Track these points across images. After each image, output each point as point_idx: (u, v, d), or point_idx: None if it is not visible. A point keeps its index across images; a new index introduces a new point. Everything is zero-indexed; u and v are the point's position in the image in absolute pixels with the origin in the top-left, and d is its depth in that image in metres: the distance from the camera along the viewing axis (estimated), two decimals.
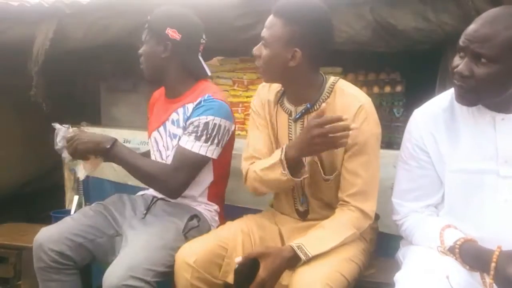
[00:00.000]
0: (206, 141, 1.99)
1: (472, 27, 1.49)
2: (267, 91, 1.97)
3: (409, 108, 1.83)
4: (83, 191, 2.95)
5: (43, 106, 2.75)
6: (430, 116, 1.68)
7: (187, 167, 1.99)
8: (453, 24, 2.14)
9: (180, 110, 2.10)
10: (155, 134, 2.19)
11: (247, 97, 2.74)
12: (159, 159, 2.17)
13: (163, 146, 2.16)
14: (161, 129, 2.16)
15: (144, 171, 2.01)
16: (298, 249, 1.65)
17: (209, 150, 2.00)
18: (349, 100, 1.78)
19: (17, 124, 3.26)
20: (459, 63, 1.51)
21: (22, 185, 3.35)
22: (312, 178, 1.87)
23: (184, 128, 2.06)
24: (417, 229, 1.69)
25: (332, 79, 1.86)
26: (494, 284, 1.46)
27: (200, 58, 2.15)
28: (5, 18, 2.75)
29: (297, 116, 1.85)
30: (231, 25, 2.45)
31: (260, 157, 1.92)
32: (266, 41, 1.76)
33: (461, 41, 1.51)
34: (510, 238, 1.51)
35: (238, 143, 2.22)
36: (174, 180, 1.98)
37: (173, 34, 2.04)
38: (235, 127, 2.16)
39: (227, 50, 2.79)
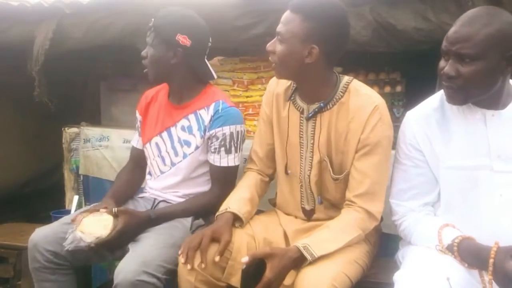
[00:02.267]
0: (235, 151, 2.08)
1: (452, 30, 1.55)
2: (276, 85, 1.97)
3: (409, 108, 1.83)
4: (83, 191, 2.95)
5: (48, 105, 2.75)
6: (422, 116, 1.71)
7: (229, 181, 2.10)
8: (453, 24, 2.13)
9: (192, 117, 2.10)
10: (156, 139, 2.17)
11: (247, 97, 2.74)
12: (161, 165, 2.17)
13: (167, 152, 2.15)
14: (165, 134, 2.15)
15: (196, 209, 2.07)
16: (304, 249, 1.64)
17: (240, 157, 2.11)
18: (363, 100, 1.77)
19: (17, 123, 3.26)
20: (444, 65, 1.56)
21: (22, 185, 3.35)
22: (320, 177, 1.87)
23: (202, 138, 2.08)
24: (415, 229, 1.70)
25: (346, 78, 1.85)
26: (493, 281, 1.46)
27: (206, 61, 2.14)
28: (5, 18, 2.74)
29: (310, 114, 1.84)
30: (232, 25, 2.45)
31: (256, 162, 2.03)
32: (282, 36, 1.74)
33: (443, 46, 1.56)
34: (507, 232, 1.53)
35: None
36: (225, 197, 2.04)
37: (183, 40, 2.01)
38: None
39: (227, 50, 2.79)
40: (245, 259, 1.65)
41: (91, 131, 2.92)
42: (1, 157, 3.16)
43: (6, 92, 3.07)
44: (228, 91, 2.77)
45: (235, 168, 2.10)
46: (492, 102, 1.60)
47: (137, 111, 2.29)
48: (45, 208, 2.88)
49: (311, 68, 1.75)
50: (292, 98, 1.90)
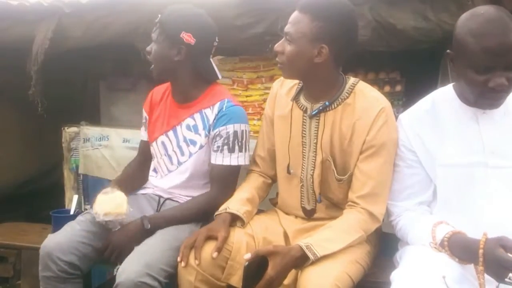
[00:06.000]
0: (240, 150, 2.03)
1: (492, 42, 1.48)
2: (280, 86, 1.97)
3: (409, 107, 1.84)
4: (82, 190, 2.95)
5: (40, 104, 2.75)
6: (414, 118, 1.75)
7: (230, 182, 2.05)
8: (453, 24, 2.11)
9: (197, 116, 2.09)
10: (162, 138, 2.15)
11: (247, 96, 2.74)
12: (168, 164, 2.15)
13: (173, 151, 2.13)
14: (171, 133, 2.13)
15: (196, 213, 2.02)
16: (306, 249, 1.64)
17: (245, 158, 2.06)
18: (370, 102, 1.78)
19: (17, 123, 3.26)
20: (485, 79, 1.52)
21: (22, 185, 3.34)
22: (324, 177, 1.87)
23: (207, 136, 2.05)
24: (411, 228, 1.71)
25: (352, 80, 1.86)
26: (485, 272, 1.46)
27: (211, 61, 2.13)
28: (4, 17, 2.74)
29: (314, 112, 1.84)
30: (231, 24, 2.45)
31: (259, 163, 2.04)
32: (291, 37, 1.74)
33: (487, 61, 1.50)
34: (504, 227, 1.55)
35: None
36: (224, 199, 1.98)
37: (188, 38, 1.99)
38: None
39: (227, 49, 2.79)
40: (247, 255, 1.65)
41: (91, 131, 2.93)
42: (1, 157, 3.16)
43: (6, 91, 3.07)
44: (228, 91, 2.76)
45: (237, 168, 2.05)
46: None
47: (143, 109, 2.28)
48: (45, 207, 2.86)
49: (319, 68, 1.76)
50: (296, 98, 1.90)
